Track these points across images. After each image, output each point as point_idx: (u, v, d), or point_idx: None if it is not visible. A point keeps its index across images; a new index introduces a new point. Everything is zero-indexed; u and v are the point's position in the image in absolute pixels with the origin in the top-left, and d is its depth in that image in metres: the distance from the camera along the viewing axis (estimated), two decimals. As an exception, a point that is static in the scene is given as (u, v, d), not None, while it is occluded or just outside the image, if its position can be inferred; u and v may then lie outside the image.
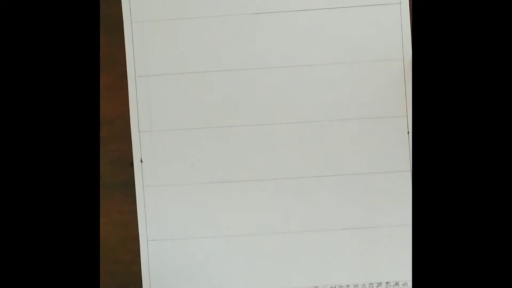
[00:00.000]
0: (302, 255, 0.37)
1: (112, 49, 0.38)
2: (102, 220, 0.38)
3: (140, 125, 0.38)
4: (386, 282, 0.37)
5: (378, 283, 0.37)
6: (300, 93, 0.37)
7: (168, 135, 0.38)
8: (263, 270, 0.38)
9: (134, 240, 0.38)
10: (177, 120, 0.38)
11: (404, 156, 0.37)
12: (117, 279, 0.37)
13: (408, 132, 0.37)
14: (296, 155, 0.37)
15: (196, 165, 0.38)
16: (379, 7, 0.37)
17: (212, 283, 0.38)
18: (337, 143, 0.37)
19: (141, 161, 0.38)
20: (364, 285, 0.37)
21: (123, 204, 0.38)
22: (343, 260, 0.37)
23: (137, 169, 0.38)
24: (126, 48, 0.38)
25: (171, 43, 0.38)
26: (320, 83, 0.37)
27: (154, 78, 0.38)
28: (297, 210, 0.37)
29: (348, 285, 0.37)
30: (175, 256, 0.38)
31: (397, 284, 0.37)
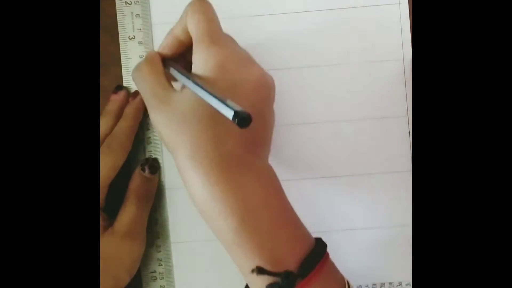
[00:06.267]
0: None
1: (112, 48, 0.38)
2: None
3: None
4: (390, 283, 0.37)
5: (381, 283, 0.37)
6: (300, 95, 0.37)
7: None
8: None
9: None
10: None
11: (405, 156, 0.37)
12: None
13: (409, 132, 0.37)
14: (296, 156, 0.37)
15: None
16: (378, 7, 0.37)
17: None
18: (337, 144, 0.37)
19: None
20: (368, 285, 0.37)
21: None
22: (346, 261, 0.37)
23: None
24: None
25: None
26: (320, 84, 0.37)
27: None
28: (299, 211, 0.37)
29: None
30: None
31: (400, 284, 0.37)
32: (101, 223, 0.34)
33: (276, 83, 0.34)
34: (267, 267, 0.28)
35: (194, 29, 0.31)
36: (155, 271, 0.38)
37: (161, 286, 0.38)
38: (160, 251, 0.38)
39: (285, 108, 0.37)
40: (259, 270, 0.28)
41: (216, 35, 0.31)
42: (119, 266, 0.34)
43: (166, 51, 0.33)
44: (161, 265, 0.38)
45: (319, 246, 0.30)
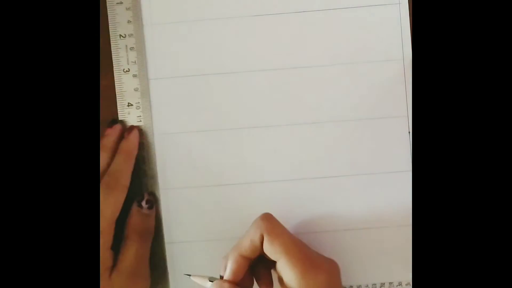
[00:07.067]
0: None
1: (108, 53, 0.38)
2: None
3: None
4: (389, 283, 0.37)
5: (381, 283, 0.37)
6: (300, 94, 0.37)
7: (171, 138, 0.38)
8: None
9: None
10: (179, 123, 0.38)
11: (405, 156, 0.37)
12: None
13: (409, 132, 0.37)
14: (297, 157, 0.37)
15: (198, 168, 0.38)
16: (378, 7, 0.37)
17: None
18: (337, 144, 0.37)
19: None
20: (367, 285, 0.37)
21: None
22: (346, 261, 0.37)
23: None
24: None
25: (173, 46, 0.38)
26: (320, 84, 0.37)
27: (155, 81, 0.38)
28: (299, 211, 0.37)
29: (351, 286, 0.37)
30: (186, 257, 0.38)
31: (400, 284, 0.37)
32: (110, 263, 0.34)
33: (276, 83, 0.34)
34: None
35: (279, 256, 0.32)
36: None
37: None
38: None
39: (285, 108, 0.37)
40: None
41: (306, 258, 0.32)
42: None
43: (236, 275, 0.33)
44: None
45: None
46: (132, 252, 0.35)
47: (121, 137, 0.37)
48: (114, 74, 0.37)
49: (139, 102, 0.37)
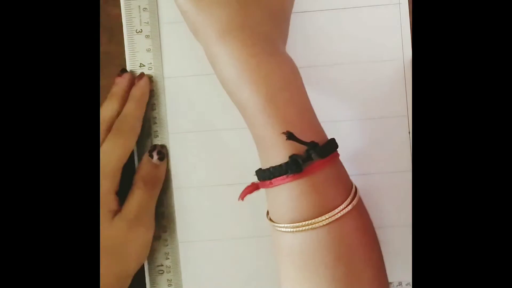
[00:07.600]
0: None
1: (112, 48, 0.38)
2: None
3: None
4: (389, 283, 0.37)
5: (381, 283, 0.37)
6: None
7: (175, 138, 0.38)
8: (266, 274, 0.38)
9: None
10: (180, 123, 0.38)
11: (405, 156, 0.37)
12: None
13: (409, 132, 0.37)
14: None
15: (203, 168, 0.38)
16: (378, 7, 0.37)
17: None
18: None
19: None
20: (367, 285, 0.37)
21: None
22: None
23: None
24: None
25: (185, 44, 0.38)
26: (320, 84, 0.37)
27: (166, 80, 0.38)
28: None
29: (351, 286, 0.37)
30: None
31: (400, 284, 0.37)
32: (114, 207, 0.35)
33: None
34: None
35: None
36: (162, 265, 0.38)
37: (168, 280, 0.38)
38: (167, 245, 0.38)
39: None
40: (289, 135, 0.29)
41: None
42: (126, 253, 0.35)
43: None
44: (168, 258, 0.38)
45: (333, 141, 0.31)
46: (137, 199, 0.35)
47: (131, 85, 0.37)
48: (127, 34, 0.38)
49: (151, 63, 0.38)
